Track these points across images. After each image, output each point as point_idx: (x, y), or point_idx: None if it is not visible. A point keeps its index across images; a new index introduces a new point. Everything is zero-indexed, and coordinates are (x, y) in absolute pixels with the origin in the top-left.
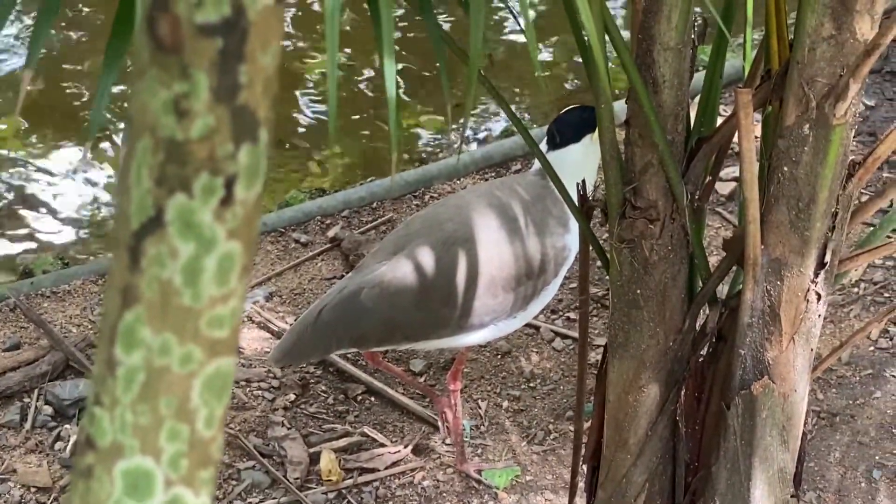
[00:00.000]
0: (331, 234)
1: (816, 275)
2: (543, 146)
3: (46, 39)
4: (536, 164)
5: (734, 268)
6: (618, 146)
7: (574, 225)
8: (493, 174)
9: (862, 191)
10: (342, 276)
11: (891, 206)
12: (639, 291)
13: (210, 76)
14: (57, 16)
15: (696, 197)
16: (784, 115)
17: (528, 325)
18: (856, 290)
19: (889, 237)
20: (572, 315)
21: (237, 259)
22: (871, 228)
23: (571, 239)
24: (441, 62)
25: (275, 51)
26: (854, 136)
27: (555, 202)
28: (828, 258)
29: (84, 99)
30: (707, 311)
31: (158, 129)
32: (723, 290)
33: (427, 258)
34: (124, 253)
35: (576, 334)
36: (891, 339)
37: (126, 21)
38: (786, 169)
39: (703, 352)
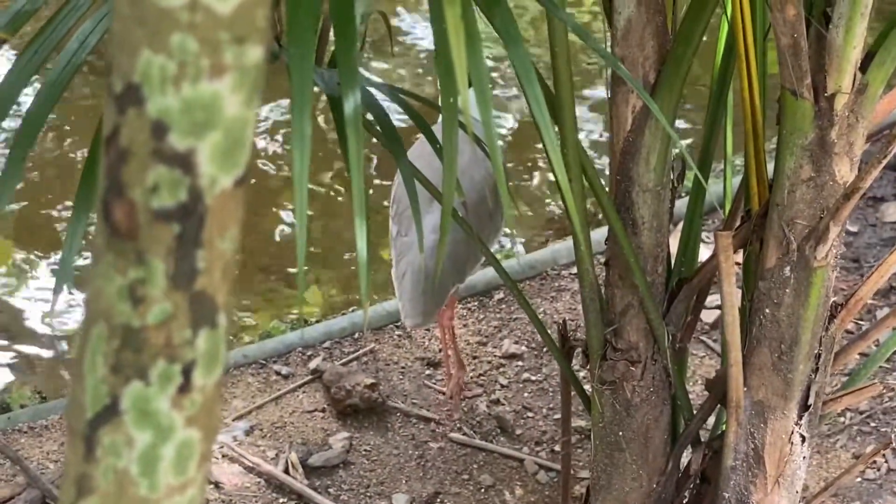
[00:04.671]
0: (312, 365)
1: (800, 417)
2: None
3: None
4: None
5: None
6: (598, 287)
7: None
8: (475, 304)
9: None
10: (324, 409)
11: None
12: (621, 433)
13: (167, 262)
14: (20, 180)
15: (678, 338)
16: (765, 256)
17: (511, 458)
18: (842, 419)
19: (873, 376)
20: (557, 447)
21: (196, 447)
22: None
23: None
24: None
25: (233, 235)
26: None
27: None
28: (811, 400)
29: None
30: (690, 453)
31: (114, 316)
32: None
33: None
34: (79, 442)
35: (559, 466)
36: (878, 470)
37: (95, 170)
38: (767, 311)
39: (687, 494)
